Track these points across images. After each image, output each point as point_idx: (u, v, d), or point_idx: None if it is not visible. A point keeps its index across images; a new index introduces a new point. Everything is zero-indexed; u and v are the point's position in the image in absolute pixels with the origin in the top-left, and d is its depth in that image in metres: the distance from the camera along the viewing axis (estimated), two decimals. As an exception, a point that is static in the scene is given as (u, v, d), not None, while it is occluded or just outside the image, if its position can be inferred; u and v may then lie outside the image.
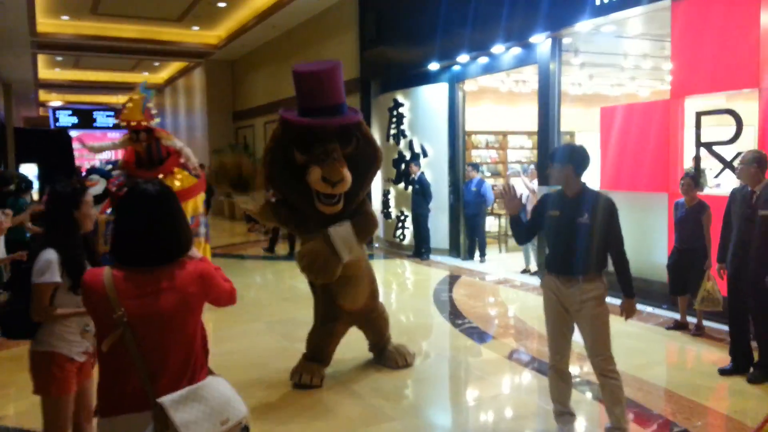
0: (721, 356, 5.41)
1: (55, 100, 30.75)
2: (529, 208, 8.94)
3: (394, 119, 12.04)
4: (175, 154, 7.39)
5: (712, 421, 4.35)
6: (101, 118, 26.66)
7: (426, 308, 7.73)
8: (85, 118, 27.19)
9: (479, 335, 6.46)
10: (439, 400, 5.02)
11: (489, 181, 11.76)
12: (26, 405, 4.51)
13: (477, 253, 10.74)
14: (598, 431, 4.15)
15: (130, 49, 19.38)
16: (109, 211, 7.16)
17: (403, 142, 11.84)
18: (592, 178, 3.92)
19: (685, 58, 6.92)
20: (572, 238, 3.76)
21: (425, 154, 11.40)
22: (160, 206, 2.34)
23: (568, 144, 4.04)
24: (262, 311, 7.67)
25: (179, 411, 2.14)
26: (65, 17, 16.68)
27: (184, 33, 18.55)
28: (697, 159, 6.86)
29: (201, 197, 7.68)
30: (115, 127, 7.68)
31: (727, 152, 6.54)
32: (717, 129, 6.82)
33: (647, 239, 6.99)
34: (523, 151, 14.56)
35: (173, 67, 23.97)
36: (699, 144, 6.78)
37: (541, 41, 8.83)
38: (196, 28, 18.15)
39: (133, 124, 7.06)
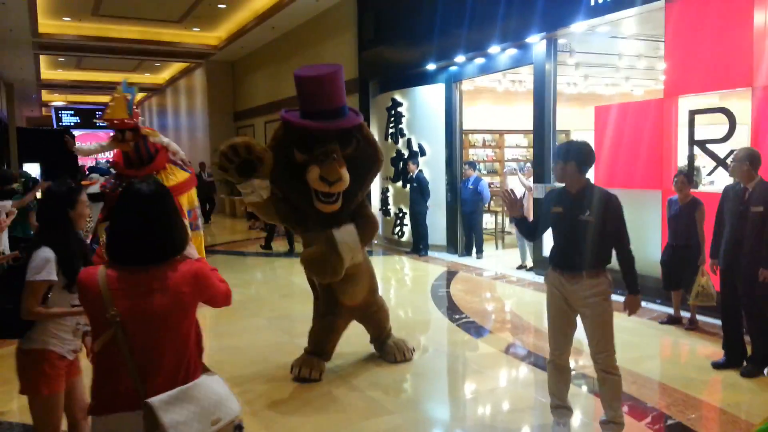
0: (715, 350, 5.48)
1: (57, 100, 30.83)
2: (527, 205, 9.05)
3: (393, 118, 12.12)
4: (164, 150, 7.40)
5: (706, 414, 4.40)
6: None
7: (424, 304, 7.82)
8: (87, 118, 27.26)
9: (476, 330, 6.54)
10: (437, 394, 5.08)
11: (486, 179, 11.84)
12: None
13: (474, 250, 10.83)
14: (594, 424, 4.19)
15: (132, 50, 19.43)
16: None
17: (401, 141, 11.93)
18: (587, 175, 3.99)
19: (678, 57, 7.00)
20: (574, 235, 3.76)
21: (423, 153, 11.49)
22: (155, 205, 2.33)
23: (572, 141, 4.05)
24: (262, 307, 7.75)
25: (169, 412, 2.13)
26: (67, 18, 16.73)
27: (184, 34, 18.61)
28: (691, 157, 6.94)
29: (194, 191, 7.73)
30: (103, 126, 7.58)
31: (721, 150, 6.61)
32: (710, 127, 6.89)
33: (641, 236, 7.01)
34: (519, 149, 14.63)
35: (174, 67, 24.02)
36: (692, 142, 6.85)
37: (536, 42, 8.91)
38: (196, 29, 18.20)
39: (116, 122, 7.01)
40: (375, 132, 12.73)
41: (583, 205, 3.76)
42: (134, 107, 7.25)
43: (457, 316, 7.03)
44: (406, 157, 11.72)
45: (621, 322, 3.82)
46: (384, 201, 12.52)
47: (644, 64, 10.93)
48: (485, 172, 13.98)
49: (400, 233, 12.16)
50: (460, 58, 10.43)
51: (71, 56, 21.01)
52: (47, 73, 23.42)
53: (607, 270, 3.82)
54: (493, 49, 9.63)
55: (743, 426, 4.14)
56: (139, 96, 32.56)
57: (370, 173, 5.01)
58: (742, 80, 6.33)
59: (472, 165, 10.93)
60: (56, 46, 18.31)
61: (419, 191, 10.98)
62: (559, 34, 8.72)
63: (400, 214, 12.06)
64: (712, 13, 6.59)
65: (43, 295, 3.04)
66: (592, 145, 4.01)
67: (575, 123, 13.35)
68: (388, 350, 5.50)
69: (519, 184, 9.72)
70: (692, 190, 6.31)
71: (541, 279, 8.80)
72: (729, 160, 5.47)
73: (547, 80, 8.88)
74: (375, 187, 12.82)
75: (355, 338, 5.60)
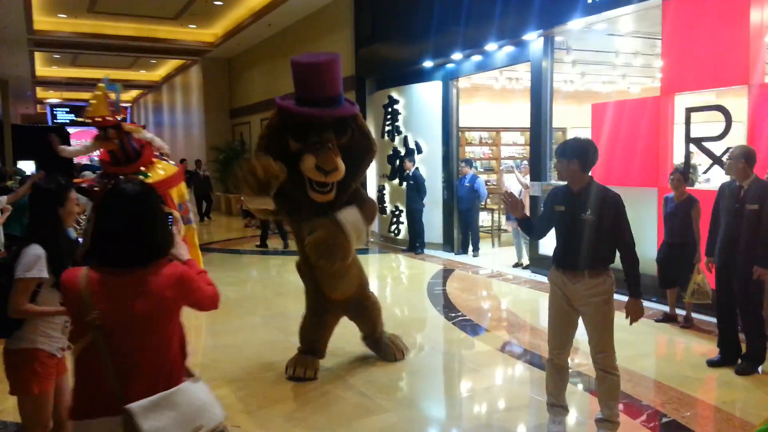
0: (710, 348, 5.49)
1: (52, 98, 30.77)
2: (525, 202, 9.04)
3: (389, 116, 12.11)
4: (148, 145, 7.37)
5: (701, 412, 4.41)
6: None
7: (420, 302, 7.82)
8: (83, 116, 27.18)
9: (472, 328, 6.54)
10: (433, 392, 5.08)
11: (482, 177, 11.85)
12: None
13: (470, 248, 10.82)
14: (589, 422, 4.20)
15: (127, 47, 19.40)
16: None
17: (397, 139, 11.91)
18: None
19: (675, 55, 7.00)
20: (576, 234, 3.74)
21: (420, 151, 11.48)
22: (140, 206, 2.30)
23: (576, 138, 4.02)
24: (258, 305, 7.75)
25: (149, 418, 2.10)
26: (62, 15, 16.68)
27: (180, 31, 18.56)
28: (687, 155, 6.95)
29: (183, 184, 7.70)
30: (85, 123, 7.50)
31: (717, 148, 6.62)
32: (706, 125, 6.89)
33: (637, 233, 6.95)
34: (516, 147, 14.66)
35: (170, 64, 23.98)
36: (688, 140, 6.86)
37: (533, 39, 8.91)
38: (192, 26, 18.17)
39: (98, 119, 6.88)
40: (372, 129, 12.67)
41: (585, 204, 3.74)
42: (120, 105, 7.19)
43: (453, 314, 7.03)
44: (402, 154, 11.71)
45: (616, 320, 3.82)
46: (380, 199, 12.51)
47: (641, 61, 10.94)
48: (482, 170, 13.99)
49: (396, 231, 12.16)
50: (456, 56, 10.42)
51: (66, 53, 20.95)
52: (42, 70, 23.36)
53: (610, 269, 3.79)
54: (490, 46, 9.63)
55: (738, 423, 4.14)
56: (135, 93, 32.52)
57: (363, 163, 4.97)
58: (739, 78, 6.34)
59: (469, 163, 10.93)
60: (51, 43, 18.27)
61: (416, 189, 10.98)
62: (556, 32, 8.72)
63: (397, 212, 12.06)
64: (709, 10, 6.59)
65: (32, 293, 3.01)
66: (591, 143, 3.98)
67: (572, 120, 13.37)
68: (386, 349, 5.42)
69: (516, 182, 9.73)
70: (688, 187, 6.31)
71: (537, 277, 8.84)
72: (724, 158, 5.46)
73: (544, 78, 8.88)
74: (371, 184, 12.82)
75: (350, 337, 5.59)
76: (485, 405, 4.67)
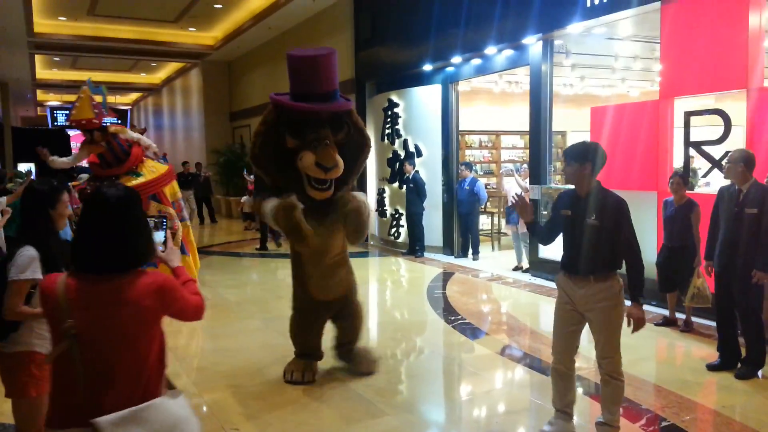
0: (710, 352, 5.48)
1: (52, 100, 30.77)
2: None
3: (389, 119, 12.12)
4: (136, 144, 7.36)
5: (701, 416, 4.41)
6: (111, 119, 26.64)
7: (420, 305, 7.81)
8: (82, 119, 27.14)
9: (472, 331, 6.54)
10: (432, 396, 5.07)
11: (482, 180, 11.86)
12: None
13: (470, 251, 10.82)
14: (589, 426, 4.17)
15: (127, 50, 19.41)
16: None
17: (397, 142, 11.92)
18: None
19: (674, 59, 7.02)
20: (582, 238, 3.72)
21: (419, 154, 11.49)
22: (121, 211, 2.24)
23: (586, 142, 3.99)
24: (257, 308, 7.74)
25: None
26: (62, 18, 16.69)
27: (180, 34, 18.58)
28: (686, 159, 6.96)
29: (175, 182, 7.70)
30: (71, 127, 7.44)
31: (716, 152, 6.62)
32: (706, 129, 6.91)
33: (637, 237, 7.05)
34: (515, 150, 14.69)
35: (170, 67, 23.99)
36: (688, 144, 6.87)
37: (533, 43, 8.92)
38: (192, 29, 18.18)
39: (83, 122, 6.88)
40: (371, 133, 12.72)
41: (591, 208, 3.72)
42: (108, 107, 7.17)
43: (453, 318, 7.02)
44: (402, 157, 11.72)
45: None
46: (380, 202, 12.52)
47: (640, 65, 10.96)
48: (482, 173, 14.01)
49: (396, 234, 12.16)
50: (456, 59, 10.44)
51: (67, 56, 20.97)
52: (42, 72, 23.37)
53: (617, 274, 3.77)
54: (490, 50, 9.64)
55: (737, 428, 4.14)
56: (135, 96, 32.54)
57: (359, 159, 4.94)
58: (737, 82, 6.35)
59: (469, 166, 10.93)
60: (52, 45, 18.28)
61: (416, 192, 10.98)
62: (556, 36, 8.74)
63: (396, 215, 12.06)
64: (708, 14, 6.61)
65: (27, 294, 2.99)
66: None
67: (571, 124, 13.40)
68: (358, 359, 5.17)
69: (515, 185, 9.74)
70: (688, 191, 6.32)
71: (537, 280, 8.85)
72: (724, 162, 5.47)
73: (543, 81, 8.90)
74: (371, 187, 12.83)
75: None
76: (485, 409, 4.67)
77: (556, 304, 3.96)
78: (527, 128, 9.45)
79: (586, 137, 8.03)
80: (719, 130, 6.53)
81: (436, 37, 10.59)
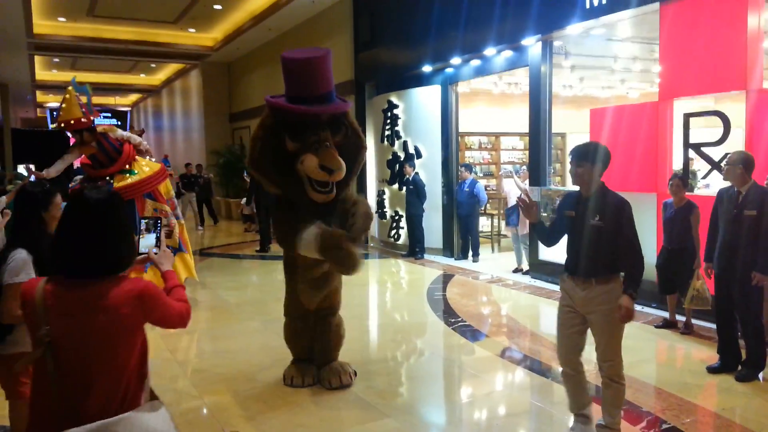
0: (710, 354, 5.48)
1: (52, 101, 30.74)
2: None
3: (389, 121, 12.12)
4: (126, 142, 7.34)
5: (701, 418, 4.40)
6: (98, 120, 26.65)
7: (420, 307, 7.81)
8: (81, 120, 27.14)
9: (472, 333, 6.54)
10: (432, 398, 5.07)
11: (482, 182, 11.86)
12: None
13: (470, 253, 10.83)
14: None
15: (127, 51, 19.40)
16: None
17: (397, 144, 11.92)
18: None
19: (673, 60, 7.02)
20: (585, 239, 3.72)
21: (419, 155, 11.49)
22: (101, 215, 2.20)
23: (594, 143, 3.98)
24: (257, 310, 7.74)
25: None
26: (62, 19, 16.69)
27: (180, 35, 18.58)
28: (686, 160, 6.96)
29: (168, 181, 7.69)
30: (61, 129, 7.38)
31: (715, 153, 6.62)
32: (705, 130, 6.92)
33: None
34: (515, 152, 14.70)
35: (170, 68, 24.00)
36: (687, 145, 6.87)
37: (532, 44, 8.93)
38: (192, 30, 18.18)
39: (72, 122, 6.83)
40: (371, 134, 12.75)
41: (594, 209, 3.72)
42: (92, 107, 7.14)
43: (453, 320, 7.02)
44: (402, 159, 11.71)
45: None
46: (380, 204, 12.52)
47: (639, 66, 10.97)
48: (481, 175, 14.01)
49: (396, 236, 12.16)
50: (456, 60, 10.44)
51: (66, 57, 20.97)
52: (42, 73, 23.37)
53: (620, 276, 3.75)
54: (489, 51, 9.65)
55: (738, 430, 4.15)
56: (135, 97, 32.54)
57: (357, 161, 4.88)
58: (737, 83, 6.35)
59: (469, 168, 10.93)
60: (51, 46, 18.28)
61: (416, 194, 10.98)
62: (555, 37, 8.75)
63: (396, 217, 12.06)
64: (707, 16, 6.61)
65: None
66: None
67: (571, 125, 13.41)
68: (323, 375, 4.99)
69: (514, 187, 9.74)
70: (687, 193, 6.32)
71: (537, 282, 8.85)
72: (723, 164, 5.47)
73: (542, 82, 8.90)
74: (371, 189, 12.83)
75: (348, 342, 5.56)
76: (485, 411, 4.67)
77: (558, 306, 3.96)
78: (527, 130, 9.45)
79: (586, 139, 8.04)
80: (718, 132, 6.53)
81: (435, 39, 10.59)
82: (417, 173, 11.14)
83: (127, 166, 7.24)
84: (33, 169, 7.22)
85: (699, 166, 7.70)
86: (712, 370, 5.17)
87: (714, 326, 5.53)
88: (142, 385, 2.27)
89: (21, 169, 18.90)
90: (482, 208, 11.26)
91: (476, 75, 10.65)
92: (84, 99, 7.06)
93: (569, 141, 14.28)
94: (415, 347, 6.29)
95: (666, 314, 6.60)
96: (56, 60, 21.77)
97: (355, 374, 5.10)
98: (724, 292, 5.11)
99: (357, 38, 13.25)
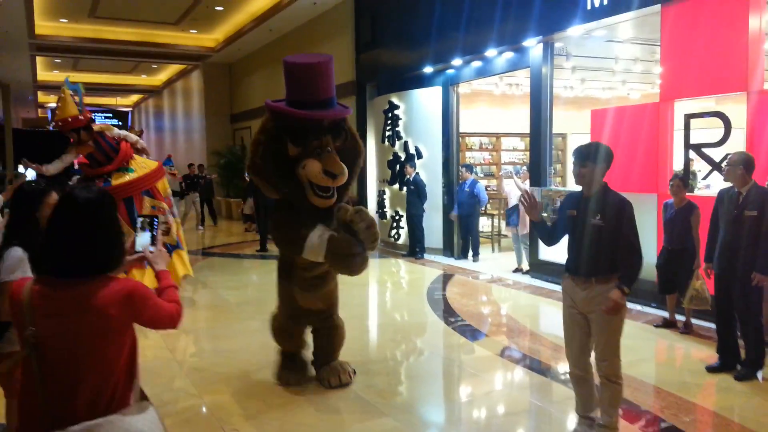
0: (709, 354, 5.49)
1: (53, 102, 30.78)
2: (521, 208, 9.06)
3: (390, 121, 12.14)
4: (124, 141, 7.36)
5: (700, 418, 4.41)
6: (100, 120, 26.73)
7: (420, 306, 7.82)
8: (83, 120, 27.20)
9: (472, 333, 6.54)
10: (432, 397, 5.07)
11: (482, 182, 11.87)
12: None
13: (470, 253, 10.83)
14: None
15: (128, 52, 19.45)
16: None
17: (398, 144, 11.93)
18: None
19: (674, 61, 7.03)
20: (586, 239, 3.72)
21: (420, 156, 11.50)
22: (89, 214, 2.17)
23: (598, 143, 3.98)
24: (257, 309, 7.72)
25: None
26: (63, 20, 16.74)
27: (181, 36, 18.62)
28: (686, 161, 6.97)
29: (165, 178, 7.71)
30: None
31: (716, 154, 6.63)
32: (706, 131, 6.92)
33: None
34: (516, 152, 14.71)
35: (171, 69, 24.05)
36: (688, 146, 6.88)
37: (533, 45, 8.94)
38: (193, 31, 18.23)
39: (70, 120, 6.84)
40: (372, 134, 12.78)
41: (595, 209, 3.72)
42: (84, 106, 7.12)
43: (452, 319, 7.03)
44: (402, 160, 11.73)
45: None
46: (380, 204, 12.54)
47: (640, 67, 10.98)
48: (482, 175, 14.02)
49: (396, 236, 12.18)
50: (457, 61, 10.46)
51: (68, 58, 21.03)
52: (43, 74, 23.42)
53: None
54: (490, 52, 9.66)
55: (736, 429, 4.15)
56: (136, 98, 32.59)
57: (356, 165, 4.87)
58: (738, 84, 6.36)
59: (470, 168, 10.94)
60: (53, 47, 18.33)
61: (416, 194, 11.00)
62: (556, 38, 8.76)
63: (397, 217, 12.07)
64: (708, 17, 6.62)
65: None
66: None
67: (572, 126, 13.43)
68: (323, 374, 4.99)
69: (515, 188, 9.75)
70: (688, 193, 6.32)
71: (537, 282, 8.85)
72: (723, 164, 5.47)
73: (543, 84, 8.91)
74: (371, 189, 12.85)
75: (350, 341, 5.57)
76: (484, 410, 4.67)
77: (562, 308, 3.96)
78: (528, 130, 9.46)
79: (587, 139, 8.04)
80: (719, 133, 6.53)
81: (436, 40, 10.61)
82: (418, 173, 11.16)
83: (125, 164, 7.25)
84: (27, 161, 7.16)
85: (699, 166, 7.70)
86: (712, 369, 5.17)
87: (713, 326, 5.55)
88: (131, 386, 2.25)
89: (21, 169, 18.91)
90: (483, 209, 11.27)
91: (477, 76, 10.66)
92: (76, 98, 7.07)
93: (570, 142, 14.29)
94: (415, 346, 6.30)
95: (666, 314, 6.60)
96: (58, 61, 21.82)
97: (354, 373, 5.11)
98: (724, 292, 5.11)
99: (358, 39, 13.27)
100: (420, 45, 11.06)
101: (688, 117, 6.88)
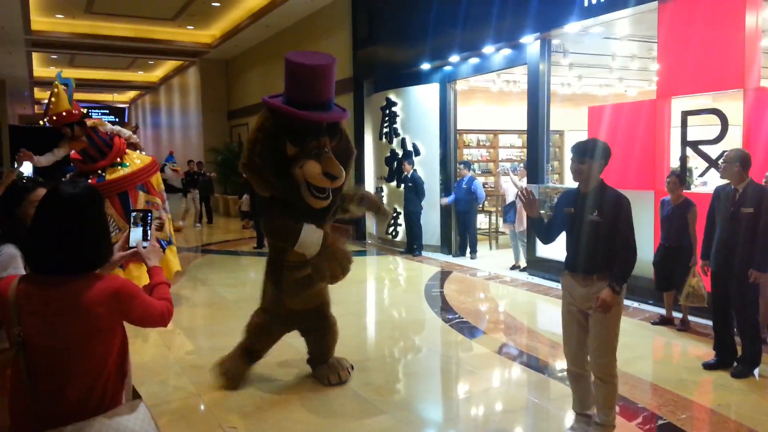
0: (706, 351, 5.51)
1: (49, 98, 30.69)
2: (519, 205, 9.07)
3: (387, 118, 12.13)
4: (117, 136, 7.35)
5: (697, 415, 4.42)
6: (96, 116, 26.68)
7: (417, 304, 7.83)
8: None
9: (470, 330, 6.55)
10: (430, 394, 5.08)
11: (480, 179, 11.88)
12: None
13: (468, 250, 10.85)
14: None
15: (125, 48, 19.39)
16: None
17: (395, 141, 11.93)
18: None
19: (671, 58, 7.04)
20: (584, 236, 3.72)
21: (417, 153, 11.50)
22: (76, 210, 2.13)
23: (592, 139, 3.98)
24: (255, 307, 7.71)
25: None
26: (60, 16, 16.68)
27: (178, 32, 18.56)
28: (683, 158, 6.98)
29: (158, 174, 7.70)
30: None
31: (713, 151, 6.64)
32: (702, 128, 6.93)
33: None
34: (513, 149, 14.72)
35: (168, 65, 23.97)
36: (685, 143, 6.89)
37: (530, 42, 8.94)
38: (190, 27, 18.17)
39: (64, 114, 6.81)
40: (369, 131, 12.77)
41: (592, 206, 3.72)
42: (73, 100, 7.09)
43: (450, 317, 7.04)
44: (400, 156, 11.73)
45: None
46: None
47: (637, 64, 10.97)
48: (479, 172, 14.03)
49: (394, 233, 12.18)
50: (454, 58, 10.45)
51: (64, 54, 20.94)
52: (40, 70, 23.32)
53: None
54: (488, 49, 9.66)
55: (733, 426, 4.17)
56: (133, 94, 32.50)
57: (348, 166, 4.85)
58: (734, 82, 6.37)
59: (467, 165, 10.95)
60: (49, 43, 18.24)
61: (414, 191, 11.00)
62: (553, 35, 8.75)
63: (395, 214, 12.08)
64: (705, 14, 6.62)
65: None
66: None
67: (569, 123, 13.44)
68: (322, 372, 4.99)
69: (512, 184, 9.75)
70: (684, 191, 6.33)
71: (534, 279, 8.87)
72: (720, 161, 5.49)
73: (541, 80, 8.91)
74: (369, 186, 12.84)
75: (348, 338, 5.59)
76: (482, 407, 4.68)
77: (561, 306, 3.97)
78: (525, 127, 9.47)
79: (584, 136, 8.04)
80: (716, 130, 6.55)
81: (433, 36, 10.60)
82: (415, 170, 11.16)
83: (119, 159, 7.24)
84: (25, 151, 7.07)
85: (696, 163, 7.71)
86: (708, 366, 5.19)
87: (710, 323, 5.55)
88: (123, 385, 2.22)
89: (25, 169, 18.87)
90: (480, 206, 11.28)
91: (475, 73, 10.66)
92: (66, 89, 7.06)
93: (567, 139, 14.31)
94: (413, 344, 6.30)
95: (663, 311, 6.62)
96: (54, 57, 21.73)
97: (352, 368, 5.13)
98: (720, 290, 5.12)
99: (355, 35, 13.25)
100: (417, 41, 11.05)
101: (685, 114, 6.89)
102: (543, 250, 8.90)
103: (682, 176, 6.38)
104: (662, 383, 4.90)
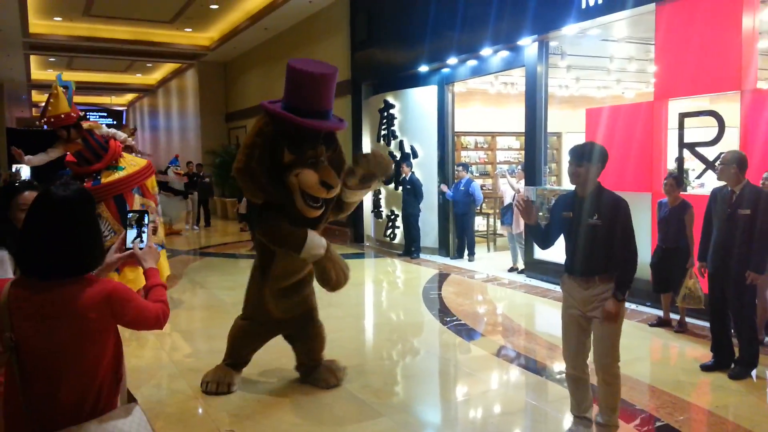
0: (703, 352, 5.51)
1: (47, 101, 30.67)
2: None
3: (385, 120, 12.14)
4: (113, 139, 7.34)
5: (694, 416, 4.43)
6: (94, 119, 26.62)
7: (415, 306, 7.82)
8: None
9: (468, 332, 6.55)
10: (428, 397, 5.08)
11: (478, 182, 11.88)
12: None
13: (466, 252, 10.84)
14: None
15: (123, 51, 19.38)
16: None
17: (393, 143, 11.94)
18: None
19: (668, 60, 7.04)
20: (583, 239, 3.73)
21: (415, 155, 11.50)
22: (67, 213, 2.11)
23: (589, 143, 3.99)
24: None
25: None
26: (58, 18, 16.68)
27: (176, 35, 18.57)
28: (680, 160, 6.99)
29: (153, 177, 7.70)
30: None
31: (710, 153, 6.65)
32: (700, 130, 6.94)
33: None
34: (511, 151, 14.73)
35: (166, 68, 23.97)
36: (682, 145, 6.90)
37: (528, 44, 8.95)
38: (188, 29, 18.18)
39: (63, 116, 6.80)
40: (367, 133, 12.77)
41: (591, 209, 3.73)
42: (72, 103, 7.08)
43: (448, 319, 7.03)
44: (398, 159, 11.73)
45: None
46: (376, 203, 12.53)
47: (635, 66, 11.00)
48: (477, 174, 14.04)
49: (392, 235, 12.18)
50: (452, 60, 10.46)
51: (62, 56, 20.93)
52: (37, 73, 23.32)
53: None
54: (485, 51, 9.67)
55: (731, 428, 4.17)
56: (131, 96, 32.49)
57: (339, 176, 4.78)
58: (731, 83, 6.38)
59: (465, 167, 10.95)
60: (47, 46, 18.24)
61: (412, 193, 11.00)
62: (551, 37, 8.77)
63: (393, 217, 12.07)
64: (702, 16, 6.64)
65: None
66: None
67: (566, 125, 13.45)
68: (319, 376, 4.96)
69: (509, 187, 9.76)
70: (681, 192, 6.34)
71: (532, 281, 8.86)
72: (717, 163, 5.49)
73: (538, 82, 8.93)
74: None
75: (346, 341, 5.59)
76: (480, 410, 4.68)
77: (561, 309, 3.97)
78: (523, 129, 9.47)
79: (582, 139, 8.06)
80: (713, 132, 6.56)
81: (431, 39, 10.61)
82: (413, 173, 11.16)
83: (114, 162, 7.24)
84: (20, 152, 7.03)
85: (693, 165, 7.72)
86: (706, 368, 5.19)
87: (707, 325, 5.56)
88: (118, 388, 2.21)
89: (24, 172, 18.84)
90: (478, 208, 11.28)
91: (472, 75, 10.67)
92: (65, 91, 7.06)
93: (565, 141, 14.32)
94: (411, 346, 6.30)
95: (660, 313, 6.63)
96: (52, 59, 21.73)
97: (345, 368, 5.13)
98: (718, 291, 5.13)
99: (353, 38, 13.26)
100: (415, 44, 11.06)
101: (683, 116, 6.90)
102: (541, 253, 8.90)
103: (679, 178, 6.39)
104: (660, 385, 4.90)
